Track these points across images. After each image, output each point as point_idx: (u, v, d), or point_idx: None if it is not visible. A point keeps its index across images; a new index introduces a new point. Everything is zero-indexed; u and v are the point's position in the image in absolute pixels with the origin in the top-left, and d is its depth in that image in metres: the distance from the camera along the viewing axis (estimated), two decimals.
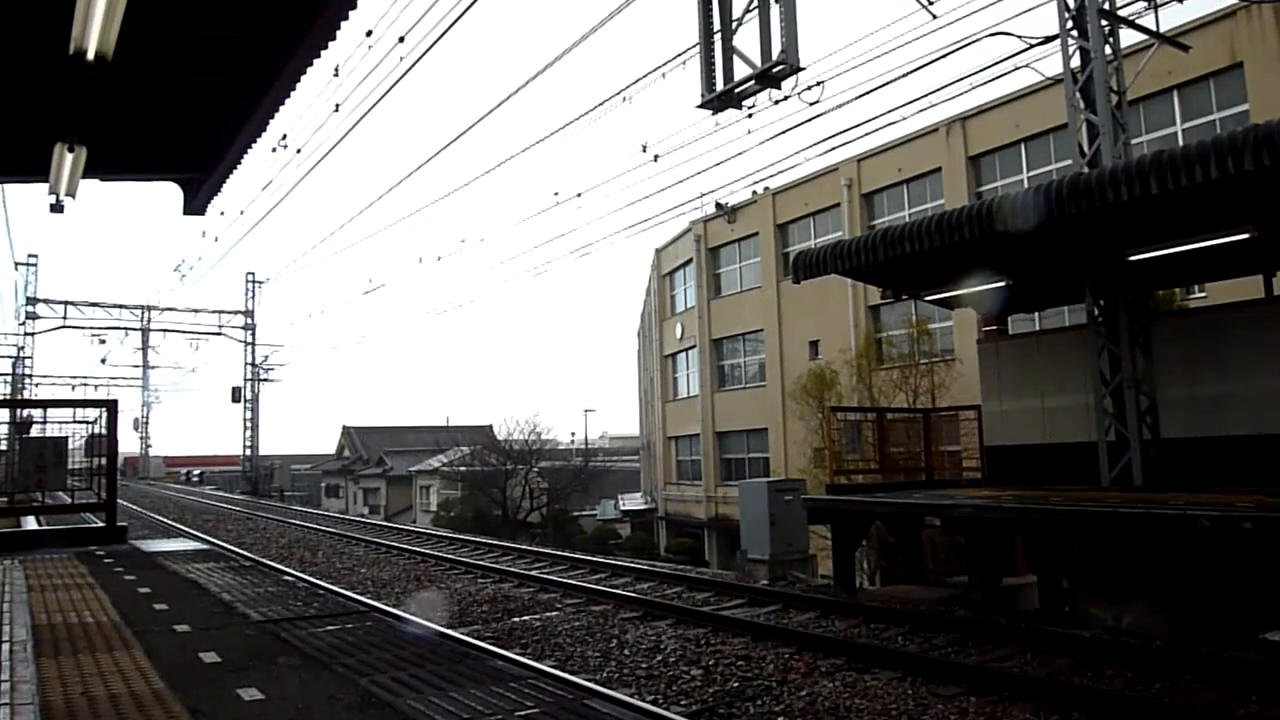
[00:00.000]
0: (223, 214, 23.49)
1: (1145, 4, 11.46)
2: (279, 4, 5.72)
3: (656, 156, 15.51)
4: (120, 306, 45.78)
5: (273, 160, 23.86)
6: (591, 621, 9.60)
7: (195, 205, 9.07)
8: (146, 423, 60.22)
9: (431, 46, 10.85)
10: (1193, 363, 10.50)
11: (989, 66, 12.18)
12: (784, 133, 19.48)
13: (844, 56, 59.38)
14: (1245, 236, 8.72)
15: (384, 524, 28.44)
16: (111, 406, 10.37)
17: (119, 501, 11.25)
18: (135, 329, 47.04)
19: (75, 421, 10.22)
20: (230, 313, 47.98)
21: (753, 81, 8.52)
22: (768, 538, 12.59)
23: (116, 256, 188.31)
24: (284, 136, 16.04)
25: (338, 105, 13.50)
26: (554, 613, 10.25)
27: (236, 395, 48.71)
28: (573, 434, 55.06)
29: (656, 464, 36.33)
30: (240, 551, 16.00)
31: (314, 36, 5.70)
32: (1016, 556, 10.83)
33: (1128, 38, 11.63)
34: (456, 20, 9.91)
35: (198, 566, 8.44)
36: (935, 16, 11.86)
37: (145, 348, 50.41)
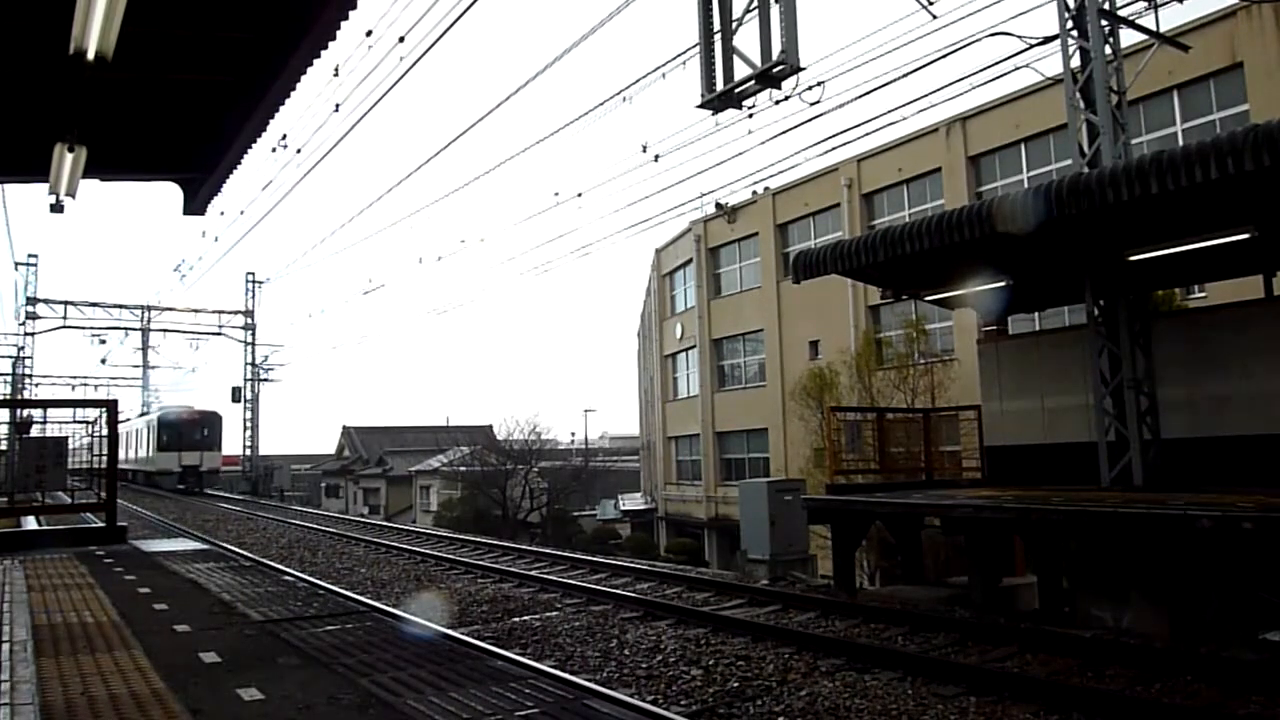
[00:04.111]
0: (223, 214, 23.46)
1: (1145, 4, 11.46)
2: (279, 4, 5.73)
3: (657, 156, 15.54)
4: (120, 306, 45.77)
5: (273, 160, 23.84)
6: (591, 621, 9.60)
7: (195, 205, 9.08)
8: None
9: (431, 46, 10.87)
10: (1192, 363, 10.50)
11: (989, 66, 12.21)
12: (784, 133, 19.56)
13: (844, 57, 59.32)
14: (1245, 236, 8.72)
15: (384, 524, 28.40)
16: (111, 407, 10.38)
17: (119, 501, 11.24)
18: (135, 329, 47.01)
19: (75, 421, 10.25)
20: (230, 313, 47.93)
21: (753, 81, 8.51)
22: (768, 538, 12.58)
23: (116, 256, 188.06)
24: (284, 136, 16.05)
25: (338, 105, 13.53)
26: (554, 613, 10.24)
27: (236, 395, 48.65)
28: (573, 434, 55.32)
29: (656, 464, 36.34)
30: (240, 551, 15.99)
31: (314, 36, 5.71)
32: (1016, 556, 10.83)
33: (1128, 38, 11.64)
34: (456, 20, 9.93)
35: (198, 566, 8.45)
36: (935, 17, 11.88)
37: (145, 348, 50.28)
